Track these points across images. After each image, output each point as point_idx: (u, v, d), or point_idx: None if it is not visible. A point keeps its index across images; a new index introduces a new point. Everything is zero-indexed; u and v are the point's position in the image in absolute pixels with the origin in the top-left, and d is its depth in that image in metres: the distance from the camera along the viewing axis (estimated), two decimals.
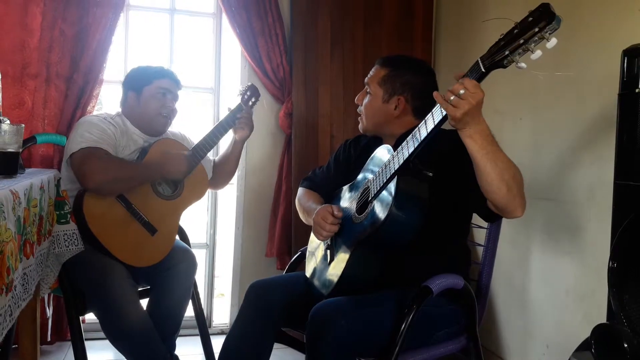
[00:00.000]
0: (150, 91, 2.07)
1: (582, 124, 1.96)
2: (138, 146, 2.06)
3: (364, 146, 1.80)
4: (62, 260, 1.76)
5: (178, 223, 2.09)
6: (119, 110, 2.14)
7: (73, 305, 1.84)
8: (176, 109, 2.14)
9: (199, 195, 2.14)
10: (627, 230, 1.35)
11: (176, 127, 2.26)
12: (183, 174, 2.02)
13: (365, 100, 1.70)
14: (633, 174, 1.41)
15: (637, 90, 1.39)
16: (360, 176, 1.65)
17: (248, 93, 2.21)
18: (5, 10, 2.39)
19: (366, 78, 1.70)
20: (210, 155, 2.25)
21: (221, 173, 2.29)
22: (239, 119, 2.16)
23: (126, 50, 2.75)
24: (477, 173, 1.33)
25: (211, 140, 2.11)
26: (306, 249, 1.83)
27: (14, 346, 2.00)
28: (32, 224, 1.45)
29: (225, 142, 2.32)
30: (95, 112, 2.48)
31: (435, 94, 1.26)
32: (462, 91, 1.20)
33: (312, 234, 1.81)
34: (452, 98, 1.22)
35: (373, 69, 1.70)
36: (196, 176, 2.10)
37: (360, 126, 1.73)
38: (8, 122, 1.51)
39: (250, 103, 2.21)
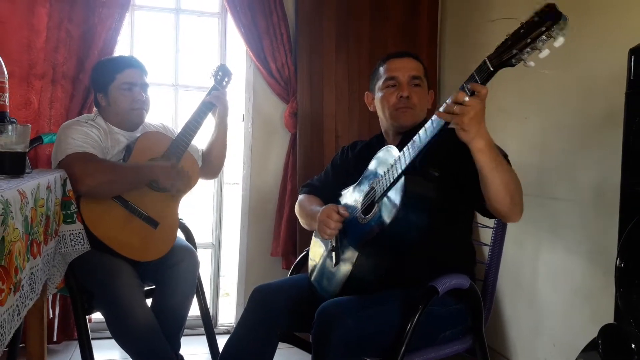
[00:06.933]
0: (116, 89, 2.03)
1: (588, 123, 1.95)
2: (122, 145, 2.05)
3: (361, 150, 1.83)
4: (69, 260, 1.76)
5: (177, 213, 2.09)
6: (97, 110, 2.12)
7: (80, 304, 1.85)
8: (148, 97, 2.10)
9: (192, 184, 2.12)
10: (634, 229, 1.34)
11: (157, 118, 2.25)
12: (176, 185, 1.98)
13: (418, 93, 1.67)
14: None
15: None
16: (362, 178, 1.65)
17: (220, 73, 2.20)
18: (11, 11, 2.41)
19: (412, 72, 1.66)
20: (198, 145, 2.24)
21: (210, 159, 2.26)
22: (215, 100, 2.14)
23: (132, 50, 2.77)
24: (484, 185, 1.34)
25: (193, 126, 2.09)
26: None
27: (21, 345, 2.01)
28: (39, 224, 1.45)
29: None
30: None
31: (437, 113, 1.27)
32: (466, 98, 1.21)
33: (313, 238, 1.81)
34: (455, 108, 1.22)
35: (409, 62, 1.68)
36: (186, 165, 2.07)
37: (410, 120, 1.66)
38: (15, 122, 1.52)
39: (224, 83, 2.20)
